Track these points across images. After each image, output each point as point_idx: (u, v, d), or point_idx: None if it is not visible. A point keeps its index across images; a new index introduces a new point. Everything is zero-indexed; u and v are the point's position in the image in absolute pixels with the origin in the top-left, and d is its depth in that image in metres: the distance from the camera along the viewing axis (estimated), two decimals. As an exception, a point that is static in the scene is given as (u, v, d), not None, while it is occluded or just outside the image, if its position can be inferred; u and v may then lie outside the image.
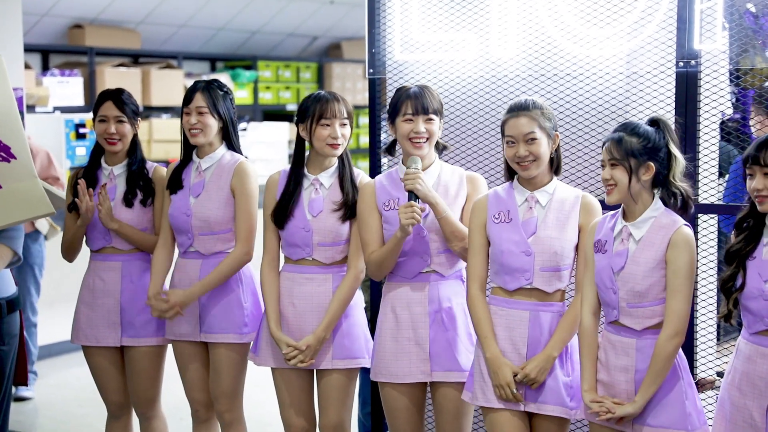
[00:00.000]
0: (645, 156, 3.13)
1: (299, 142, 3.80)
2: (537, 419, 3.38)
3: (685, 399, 3.15)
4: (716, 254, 3.89)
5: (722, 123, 4.01)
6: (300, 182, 3.79)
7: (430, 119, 3.55)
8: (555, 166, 3.42)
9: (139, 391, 4.16)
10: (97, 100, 4.13)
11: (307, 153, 3.83)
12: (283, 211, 3.77)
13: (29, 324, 6.50)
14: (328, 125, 3.70)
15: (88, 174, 4.17)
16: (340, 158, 3.78)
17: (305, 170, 3.80)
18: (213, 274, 3.91)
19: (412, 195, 3.45)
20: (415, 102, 3.54)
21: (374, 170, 4.44)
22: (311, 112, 3.72)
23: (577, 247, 3.37)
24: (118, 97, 4.10)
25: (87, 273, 4.19)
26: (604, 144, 3.20)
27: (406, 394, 3.62)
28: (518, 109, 3.37)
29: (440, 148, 3.70)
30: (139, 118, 4.16)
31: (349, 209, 3.72)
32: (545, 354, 3.31)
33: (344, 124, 3.72)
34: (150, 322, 4.10)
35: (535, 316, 3.35)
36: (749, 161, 3.00)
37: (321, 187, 3.76)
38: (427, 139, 3.55)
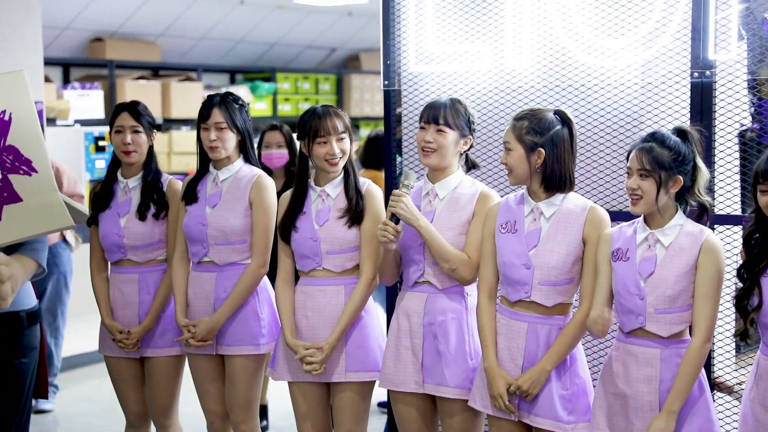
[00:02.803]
0: (675, 169, 3.12)
1: (302, 156, 3.81)
2: (537, 430, 3.38)
3: (709, 406, 3.15)
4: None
5: (740, 133, 3.99)
6: (305, 195, 3.81)
7: (441, 130, 3.55)
8: (545, 180, 3.34)
9: (156, 401, 4.18)
10: (113, 112, 4.17)
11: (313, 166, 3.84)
12: (287, 224, 3.80)
13: (58, 334, 6.53)
14: (324, 143, 3.71)
15: (106, 187, 4.21)
16: (345, 168, 3.79)
17: (311, 183, 3.82)
18: (234, 295, 3.94)
19: (394, 216, 3.49)
20: (427, 111, 3.58)
21: (389, 181, 4.45)
22: (307, 129, 3.74)
23: (581, 260, 3.34)
24: (133, 108, 4.14)
25: (109, 285, 4.22)
26: (630, 152, 3.18)
27: (414, 405, 3.63)
28: (513, 118, 3.40)
29: (469, 166, 3.70)
30: (155, 130, 4.20)
31: (354, 215, 3.73)
32: (539, 367, 3.31)
33: (341, 139, 3.73)
34: (167, 333, 4.13)
35: (532, 329, 3.34)
36: (761, 176, 2.98)
37: (328, 198, 3.78)
38: (435, 150, 3.55)
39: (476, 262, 3.50)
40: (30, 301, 3.84)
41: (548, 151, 3.33)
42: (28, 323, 3.79)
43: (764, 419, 3.01)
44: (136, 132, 4.11)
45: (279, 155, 5.49)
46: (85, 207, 4.19)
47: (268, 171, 5.38)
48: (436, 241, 3.49)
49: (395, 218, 3.50)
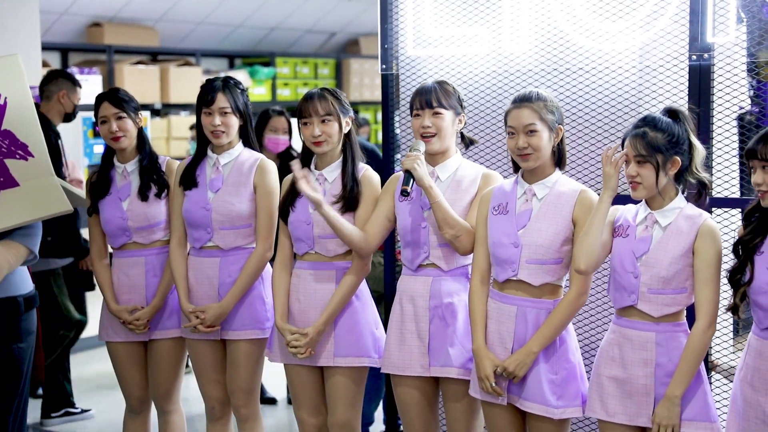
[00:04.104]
0: (671, 150, 3.12)
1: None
2: (528, 415, 3.38)
3: (706, 390, 3.16)
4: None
5: (739, 117, 3.99)
6: None
7: (437, 113, 3.55)
8: (558, 159, 3.41)
9: (159, 384, 4.18)
10: (95, 104, 4.16)
11: None
12: (286, 206, 3.82)
13: None
14: (306, 124, 3.74)
15: (102, 175, 4.20)
16: (344, 153, 3.79)
17: (312, 166, 3.82)
18: (241, 280, 3.94)
19: (409, 176, 3.48)
20: (419, 97, 3.58)
21: (387, 165, 4.45)
22: (297, 112, 3.78)
23: (571, 242, 3.34)
24: (113, 96, 4.13)
25: (113, 270, 4.21)
26: (624, 139, 3.18)
27: (417, 388, 3.63)
28: (521, 101, 3.37)
29: (467, 143, 3.72)
30: (140, 113, 4.19)
31: (348, 202, 3.73)
32: (525, 349, 3.31)
33: (324, 121, 3.72)
34: (173, 314, 4.14)
35: (521, 312, 3.35)
36: (752, 155, 2.99)
37: (325, 182, 3.78)
38: (435, 134, 3.56)
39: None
40: (26, 285, 3.84)
41: (563, 128, 3.38)
42: (25, 308, 3.80)
43: (752, 399, 3.03)
44: (120, 118, 4.10)
45: (284, 141, 5.68)
46: (83, 192, 4.18)
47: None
48: (444, 204, 3.49)
49: (408, 177, 3.49)
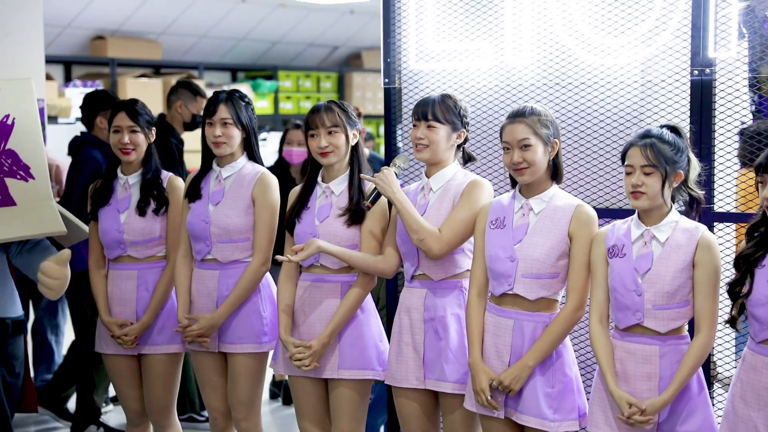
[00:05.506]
0: (676, 163, 3.15)
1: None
2: (525, 429, 3.39)
3: (708, 403, 3.18)
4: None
5: (742, 132, 4.00)
6: (311, 190, 3.84)
7: (431, 126, 3.58)
8: (553, 173, 3.42)
9: (153, 399, 4.18)
10: (112, 111, 4.17)
11: None
12: (292, 218, 3.84)
13: (59, 332, 6.52)
14: (313, 135, 3.77)
15: (105, 184, 4.21)
16: (351, 165, 3.81)
17: (319, 179, 3.84)
18: (235, 293, 3.94)
19: (376, 189, 3.59)
20: (418, 108, 3.62)
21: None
22: (304, 124, 3.82)
23: (567, 256, 3.35)
24: (131, 107, 4.14)
25: (108, 281, 4.22)
26: (626, 150, 3.19)
27: (416, 400, 3.64)
28: (515, 116, 3.39)
29: (465, 158, 3.73)
30: (154, 128, 4.20)
31: (354, 215, 3.74)
32: (522, 363, 3.32)
33: (331, 132, 3.76)
34: (165, 330, 4.14)
35: (518, 325, 3.36)
36: (761, 169, 3.00)
37: (331, 195, 3.80)
38: (427, 146, 3.59)
39: (447, 238, 3.51)
40: (16, 309, 3.76)
41: (559, 142, 3.39)
42: (12, 331, 3.73)
43: (743, 413, 3.04)
44: (134, 132, 4.12)
45: (299, 152, 5.91)
46: (85, 226, 4.14)
47: (287, 166, 5.99)
48: (408, 212, 3.53)
49: (376, 192, 3.58)
